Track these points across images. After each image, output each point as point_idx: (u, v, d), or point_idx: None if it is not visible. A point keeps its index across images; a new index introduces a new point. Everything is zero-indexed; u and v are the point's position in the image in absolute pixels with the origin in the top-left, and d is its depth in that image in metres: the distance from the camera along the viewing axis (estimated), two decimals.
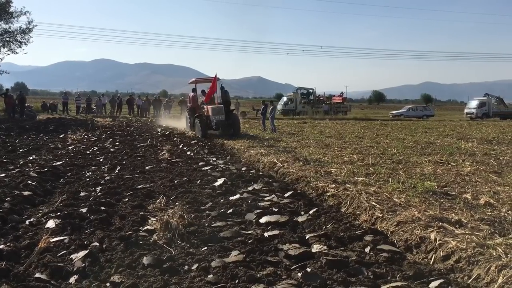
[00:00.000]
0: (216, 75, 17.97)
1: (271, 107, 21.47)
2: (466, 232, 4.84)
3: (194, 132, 18.16)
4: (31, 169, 8.78)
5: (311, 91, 43.32)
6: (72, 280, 3.66)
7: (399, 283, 3.59)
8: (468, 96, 51.99)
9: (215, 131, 17.65)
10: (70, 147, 12.92)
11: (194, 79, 20.21)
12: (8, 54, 35.61)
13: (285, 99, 44.01)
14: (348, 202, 6.61)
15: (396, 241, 5.04)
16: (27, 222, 5.43)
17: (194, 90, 19.36)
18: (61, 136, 16.59)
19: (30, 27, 35.06)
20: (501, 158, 11.05)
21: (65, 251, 4.29)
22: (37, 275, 3.62)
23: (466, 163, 10.19)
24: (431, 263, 4.44)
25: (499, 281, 3.71)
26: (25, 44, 35.53)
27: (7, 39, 34.82)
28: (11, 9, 34.62)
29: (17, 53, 35.39)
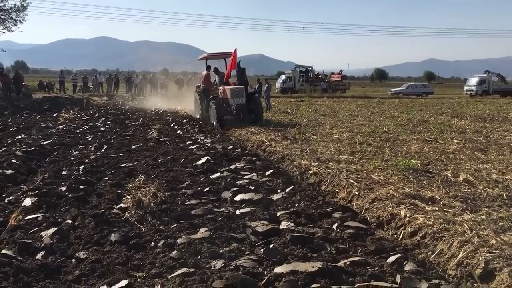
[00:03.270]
0: (236, 50, 14.64)
1: (266, 85, 21.41)
2: (436, 209, 4.90)
3: (197, 117, 16.14)
4: (18, 148, 8.83)
5: (310, 69, 43.02)
6: (38, 256, 3.73)
7: (357, 258, 3.66)
8: (471, 73, 51.55)
9: (232, 117, 14.67)
10: (60, 126, 12.98)
11: (205, 55, 17.23)
12: (3, 32, 35.37)
13: (283, 77, 43.78)
14: (328, 180, 6.67)
15: (369, 218, 5.11)
16: (6, 200, 5.49)
17: (208, 68, 16.27)
18: (54, 115, 16.63)
19: (24, 5, 34.69)
20: (490, 136, 11.05)
21: (36, 229, 4.36)
22: (3, 251, 3.69)
23: (454, 141, 10.20)
24: (399, 239, 4.51)
25: (459, 256, 3.77)
26: (20, 22, 35.23)
27: (2, 17, 34.51)
28: None
29: (12, 31, 35.15)
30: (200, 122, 14.67)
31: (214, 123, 14.05)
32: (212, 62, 17.50)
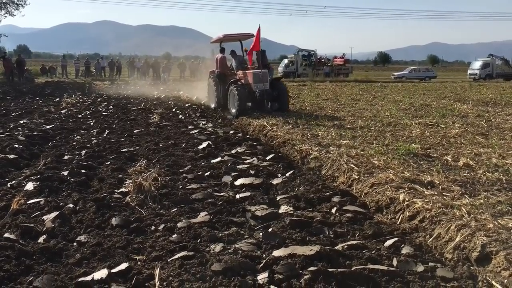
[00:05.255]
0: (259, 29, 12.79)
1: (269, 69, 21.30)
2: (435, 193, 4.92)
3: (212, 106, 14.64)
4: (20, 132, 8.89)
5: (313, 53, 42.76)
6: (40, 239, 3.79)
7: (354, 242, 3.70)
8: (475, 56, 51.12)
9: (254, 104, 12.89)
10: (63, 111, 13.04)
11: (220, 36, 15.10)
12: (5, 16, 35.31)
13: (286, 61, 43.57)
14: (328, 164, 6.68)
15: (368, 202, 5.13)
16: (8, 184, 5.55)
17: (222, 51, 14.60)
18: (56, 99, 16.67)
19: None
20: (492, 120, 11.00)
21: (38, 213, 4.42)
22: (6, 235, 3.75)
23: (456, 125, 10.16)
24: (397, 223, 4.54)
25: (457, 239, 3.81)
26: (22, 6, 35.17)
27: (4, 1, 34.38)
28: None
29: (14, 15, 35.10)
30: (202, 107, 14.63)
31: (234, 110, 12.51)
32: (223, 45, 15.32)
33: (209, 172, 6.06)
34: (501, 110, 13.40)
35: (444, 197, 4.73)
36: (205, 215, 4.32)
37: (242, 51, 14.82)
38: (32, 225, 4.03)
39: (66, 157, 7.01)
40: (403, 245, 3.73)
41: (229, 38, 15.39)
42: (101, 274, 3.10)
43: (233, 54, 14.59)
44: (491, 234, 3.69)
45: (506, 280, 3.20)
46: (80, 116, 12.25)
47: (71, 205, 4.62)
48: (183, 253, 3.44)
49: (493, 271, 3.35)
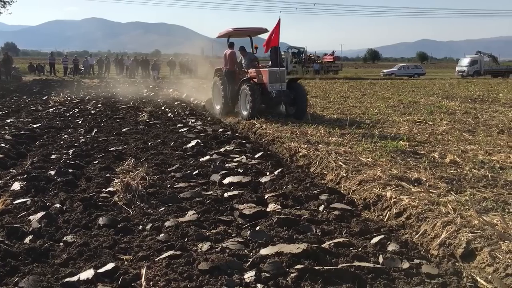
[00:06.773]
0: (279, 21, 11.36)
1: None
2: (422, 190, 4.96)
3: (216, 108, 13.01)
4: (7, 131, 8.79)
5: (302, 50, 42.80)
6: (26, 240, 3.76)
7: (341, 239, 3.73)
8: (464, 53, 51.53)
9: (266, 107, 11.57)
10: (50, 110, 12.91)
11: (230, 29, 13.04)
12: None
13: None
14: (317, 162, 6.71)
15: (356, 199, 5.17)
16: None
17: (231, 45, 12.73)
18: (44, 98, 16.51)
19: None
20: (479, 117, 11.13)
21: (24, 213, 4.38)
22: None
23: (443, 122, 10.27)
24: (384, 220, 4.58)
25: (442, 236, 3.85)
26: (9, 4, 34.75)
27: None
28: None
29: (1, 13, 34.64)
30: (189, 105, 14.57)
31: (245, 113, 11.25)
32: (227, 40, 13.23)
33: (197, 171, 6.05)
34: (488, 107, 13.56)
35: (431, 194, 4.78)
36: (193, 214, 4.31)
37: (252, 48, 13.27)
38: (18, 225, 3.99)
39: (53, 156, 6.94)
40: (389, 242, 3.77)
41: (239, 32, 13.53)
42: (87, 274, 3.09)
43: (242, 51, 12.87)
44: (476, 231, 3.74)
45: (490, 276, 3.25)
46: (68, 114, 12.14)
47: (58, 205, 4.59)
48: (170, 252, 3.44)
49: (477, 267, 3.40)
